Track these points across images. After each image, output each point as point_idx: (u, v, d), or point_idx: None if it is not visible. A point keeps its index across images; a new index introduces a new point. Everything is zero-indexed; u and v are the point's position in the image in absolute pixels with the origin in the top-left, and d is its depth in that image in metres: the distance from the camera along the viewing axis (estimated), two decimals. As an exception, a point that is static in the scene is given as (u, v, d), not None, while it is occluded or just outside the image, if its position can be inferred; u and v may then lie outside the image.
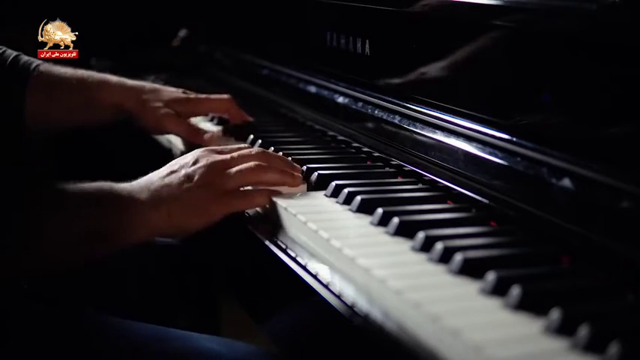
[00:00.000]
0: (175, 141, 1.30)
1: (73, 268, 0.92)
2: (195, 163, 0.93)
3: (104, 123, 1.28)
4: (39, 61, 1.23)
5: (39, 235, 0.84)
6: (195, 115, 1.31)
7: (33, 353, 0.90)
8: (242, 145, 1.01)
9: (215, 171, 0.92)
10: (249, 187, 0.95)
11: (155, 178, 0.92)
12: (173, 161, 0.95)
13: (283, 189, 0.94)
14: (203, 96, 1.30)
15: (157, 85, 1.29)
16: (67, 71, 1.24)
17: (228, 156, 0.94)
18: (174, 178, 0.91)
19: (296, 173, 0.97)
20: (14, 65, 1.21)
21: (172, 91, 1.28)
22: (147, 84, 1.28)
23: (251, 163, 0.94)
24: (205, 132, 1.24)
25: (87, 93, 1.24)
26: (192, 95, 1.29)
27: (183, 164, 0.93)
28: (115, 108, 1.25)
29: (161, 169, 0.94)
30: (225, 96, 1.30)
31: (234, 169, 0.92)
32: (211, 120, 1.37)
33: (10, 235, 0.82)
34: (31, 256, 0.85)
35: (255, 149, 0.98)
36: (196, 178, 0.91)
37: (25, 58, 1.23)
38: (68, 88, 1.23)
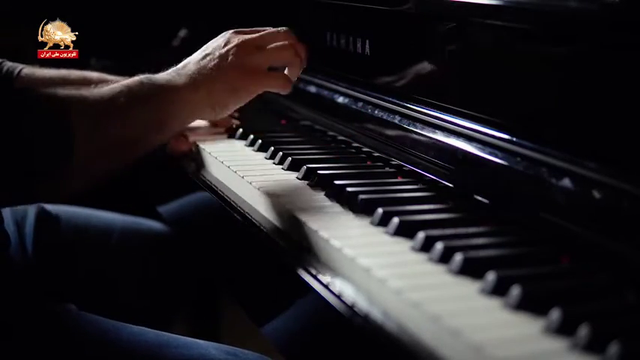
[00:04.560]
0: None
1: (130, 164, 0.94)
2: (226, 44, 0.99)
3: None
4: (22, 66, 1.22)
5: (100, 135, 0.87)
6: None
7: (29, 355, 0.89)
8: (267, 29, 1.05)
9: (247, 49, 0.98)
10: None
11: (191, 63, 0.98)
12: (205, 45, 1.01)
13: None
14: None
15: None
16: (50, 72, 1.22)
17: (257, 35, 1.01)
18: (208, 60, 0.97)
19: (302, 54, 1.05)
20: None
21: None
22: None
23: (279, 43, 1.01)
24: (196, 127, 1.23)
25: None
26: None
27: (216, 46, 0.99)
28: None
29: (196, 54, 1.00)
30: None
31: (265, 48, 1.00)
32: None
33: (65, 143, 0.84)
34: (92, 159, 0.87)
35: (282, 29, 1.04)
36: (230, 58, 0.97)
37: (8, 64, 1.21)
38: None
